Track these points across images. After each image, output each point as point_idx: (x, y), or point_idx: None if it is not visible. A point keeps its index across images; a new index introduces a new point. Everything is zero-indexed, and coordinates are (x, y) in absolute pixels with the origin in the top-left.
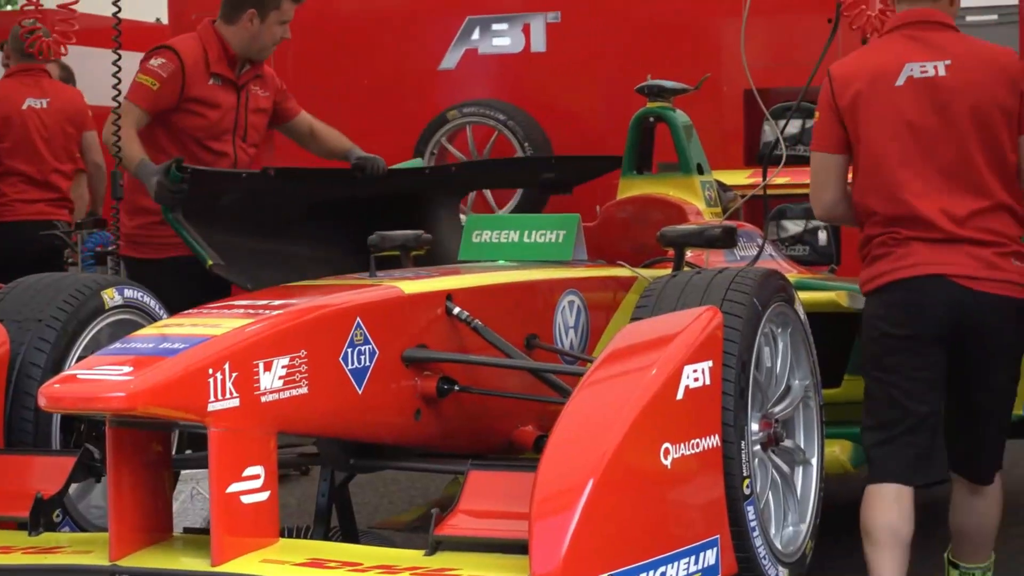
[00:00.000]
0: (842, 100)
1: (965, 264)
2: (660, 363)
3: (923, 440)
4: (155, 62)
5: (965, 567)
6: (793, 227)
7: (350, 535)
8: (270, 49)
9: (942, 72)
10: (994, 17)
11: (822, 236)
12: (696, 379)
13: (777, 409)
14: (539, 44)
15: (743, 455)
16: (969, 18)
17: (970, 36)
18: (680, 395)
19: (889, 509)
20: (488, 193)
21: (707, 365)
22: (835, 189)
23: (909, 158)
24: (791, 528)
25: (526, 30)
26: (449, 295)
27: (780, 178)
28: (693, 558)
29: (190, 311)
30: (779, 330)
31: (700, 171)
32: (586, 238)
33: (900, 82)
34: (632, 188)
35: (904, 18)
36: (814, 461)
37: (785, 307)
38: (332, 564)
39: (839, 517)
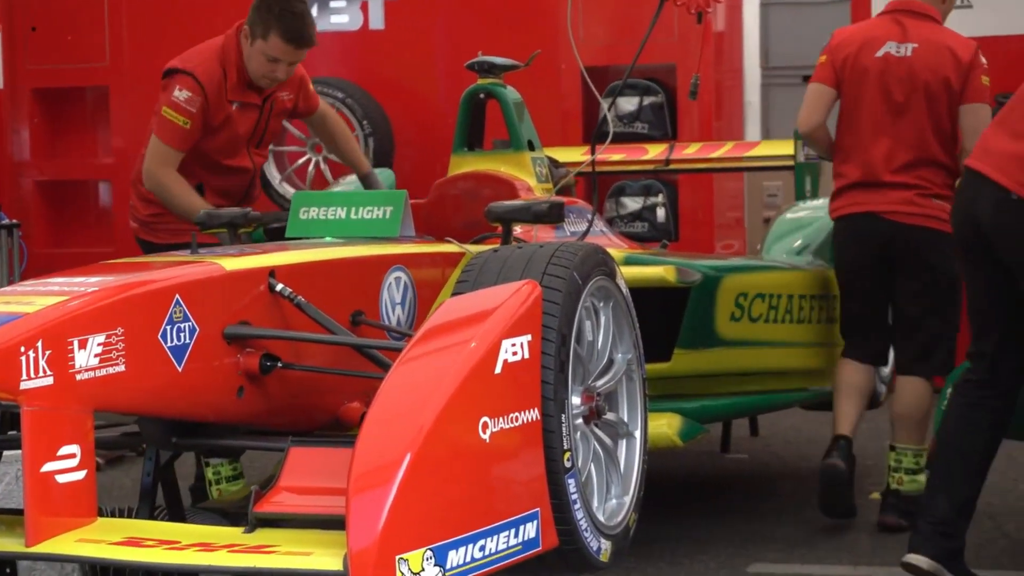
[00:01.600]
0: (835, 60)
1: (891, 203)
2: (478, 337)
3: (862, 329)
4: (181, 95)
5: (900, 447)
6: (632, 204)
7: (176, 514)
8: (262, 81)
9: (909, 52)
10: None
11: (660, 213)
12: (515, 353)
13: (600, 383)
14: (377, 21)
15: (564, 428)
16: None
17: (941, 26)
18: (499, 369)
19: (848, 371)
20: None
21: (526, 339)
22: (821, 114)
23: (872, 116)
24: (614, 500)
25: (364, 8)
26: (272, 272)
27: (615, 155)
28: (513, 531)
29: (4, 289)
30: (601, 304)
31: (531, 147)
32: (418, 215)
33: (880, 54)
34: (463, 165)
35: (896, 5)
36: (637, 434)
37: (607, 281)
38: (149, 542)
39: (667, 490)
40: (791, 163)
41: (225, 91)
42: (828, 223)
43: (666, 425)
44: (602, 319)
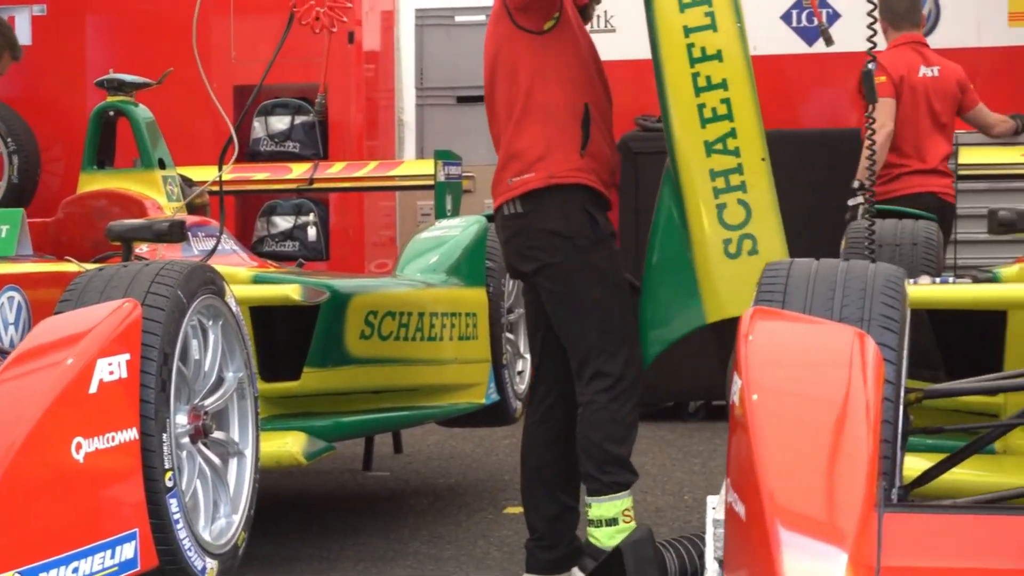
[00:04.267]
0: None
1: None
2: (73, 356)
3: None
4: None
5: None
6: (283, 223)
7: None
8: None
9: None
10: (482, 18)
11: (312, 232)
12: (112, 372)
13: (208, 401)
14: (24, 37)
15: (165, 447)
16: (458, 18)
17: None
18: (94, 388)
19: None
20: None
21: (124, 358)
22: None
23: None
24: (223, 520)
25: (11, 23)
26: None
27: (260, 174)
28: (109, 552)
29: None
30: (209, 322)
31: (163, 166)
32: (46, 233)
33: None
34: (92, 183)
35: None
36: (248, 452)
37: (215, 300)
38: None
39: (304, 508)
40: (431, 182)
41: None
42: (463, 241)
43: (290, 443)
44: (211, 337)
